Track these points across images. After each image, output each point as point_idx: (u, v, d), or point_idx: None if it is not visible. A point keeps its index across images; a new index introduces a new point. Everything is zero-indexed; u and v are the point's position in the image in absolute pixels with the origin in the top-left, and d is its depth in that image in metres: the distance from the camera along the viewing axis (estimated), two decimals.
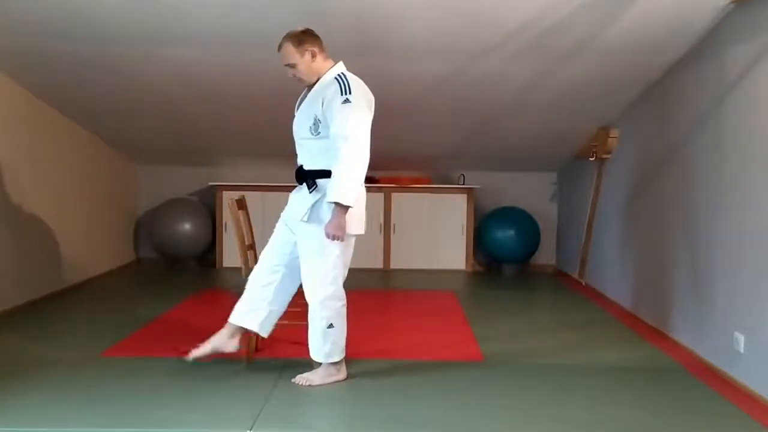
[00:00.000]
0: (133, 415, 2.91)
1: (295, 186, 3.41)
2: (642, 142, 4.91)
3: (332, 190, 3.08)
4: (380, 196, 6.70)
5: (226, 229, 6.73)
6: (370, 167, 3.24)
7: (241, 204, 3.72)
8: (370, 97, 3.27)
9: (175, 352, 3.66)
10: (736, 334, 3.43)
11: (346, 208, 3.09)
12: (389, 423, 2.89)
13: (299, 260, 3.32)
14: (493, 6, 3.69)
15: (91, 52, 4.36)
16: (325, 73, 3.23)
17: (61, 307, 4.96)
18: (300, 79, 3.27)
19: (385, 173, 6.82)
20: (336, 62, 3.28)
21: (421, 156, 6.55)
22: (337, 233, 3.11)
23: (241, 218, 3.65)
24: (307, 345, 3.43)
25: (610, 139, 5.41)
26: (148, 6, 3.76)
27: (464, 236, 6.83)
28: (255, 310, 3.38)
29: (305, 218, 3.21)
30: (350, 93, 3.10)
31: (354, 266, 3.44)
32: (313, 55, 3.20)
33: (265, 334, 3.44)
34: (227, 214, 6.58)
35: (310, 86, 3.29)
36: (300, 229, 3.27)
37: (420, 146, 6.23)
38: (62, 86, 4.99)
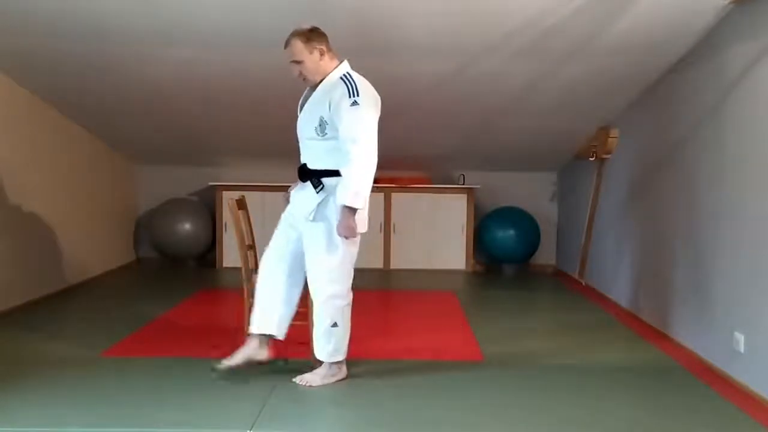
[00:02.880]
0: (133, 415, 2.91)
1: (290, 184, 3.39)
2: (642, 142, 4.91)
3: (342, 192, 3.07)
4: (380, 195, 6.68)
5: (226, 229, 6.73)
6: None
7: (241, 204, 3.72)
8: (377, 97, 3.23)
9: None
10: (736, 334, 3.43)
11: (355, 209, 3.09)
12: (389, 423, 2.90)
13: (304, 258, 3.30)
14: (493, 6, 3.69)
15: (91, 52, 4.36)
16: (330, 73, 3.19)
17: (61, 307, 4.96)
18: (305, 78, 3.22)
19: (385, 173, 6.81)
20: (341, 61, 3.24)
21: (421, 156, 6.55)
22: (348, 234, 3.12)
23: (241, 218, 3.64)
24: (308, 345, 3.50)
25: (610, 139, 5.40)
26: (148, 6, 3.76)
27: (464, 236, 6.82)
28: (269, 315, 3.35)
29: (311, 217, 3.20)
30: (358, 95, 3.08)
31: (354, 266, 3.43)
32: (321, 54, 3.16)
33: (281, 336, 3.39)
34: (227, 214, 6.58)
35: (314, 86, 3.24)
36: (306, 228, 3.26)
37: (420, 146, 6.23)
38: (62, 86, 4.99)
